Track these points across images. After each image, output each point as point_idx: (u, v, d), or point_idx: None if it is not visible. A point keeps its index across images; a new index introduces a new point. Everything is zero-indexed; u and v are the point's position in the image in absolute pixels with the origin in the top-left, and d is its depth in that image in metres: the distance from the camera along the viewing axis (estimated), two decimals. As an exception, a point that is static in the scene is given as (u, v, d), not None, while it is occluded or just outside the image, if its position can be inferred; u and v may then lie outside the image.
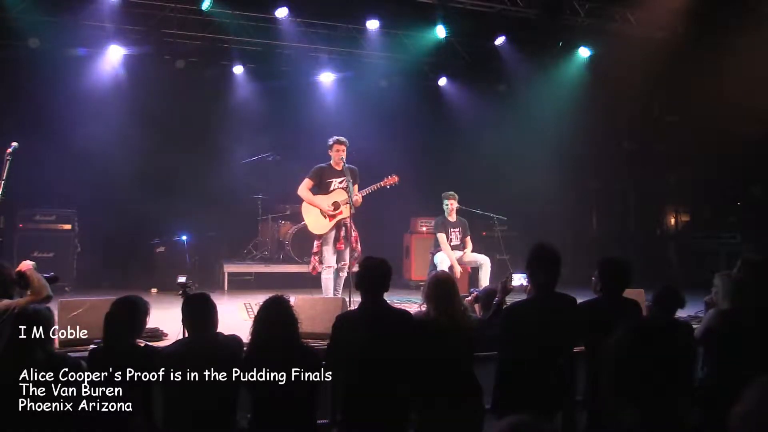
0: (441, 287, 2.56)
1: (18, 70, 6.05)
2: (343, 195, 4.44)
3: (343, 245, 4.46)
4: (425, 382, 2.45)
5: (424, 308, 2.69)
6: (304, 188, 4.52)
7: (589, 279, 2.78)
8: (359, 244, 4.49)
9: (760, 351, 2.33)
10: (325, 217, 4.47)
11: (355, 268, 4.27)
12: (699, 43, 6.31)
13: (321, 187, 4.52)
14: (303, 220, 4.82)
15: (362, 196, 4.44)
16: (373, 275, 2.52)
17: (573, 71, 7.03)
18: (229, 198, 6.77)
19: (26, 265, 2.95)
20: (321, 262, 4.50)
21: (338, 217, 4.45)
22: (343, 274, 4.49)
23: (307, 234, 4.90)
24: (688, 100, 6.70)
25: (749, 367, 2.18)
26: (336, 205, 4.46)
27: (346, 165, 4.45)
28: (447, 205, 5.23)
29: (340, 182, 4.50)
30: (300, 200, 4.60)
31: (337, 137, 4.52)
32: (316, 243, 4.56)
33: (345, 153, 4.48)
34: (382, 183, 4.53)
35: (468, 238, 5.31)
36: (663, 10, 6.26)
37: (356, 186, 4.45)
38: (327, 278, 4.47)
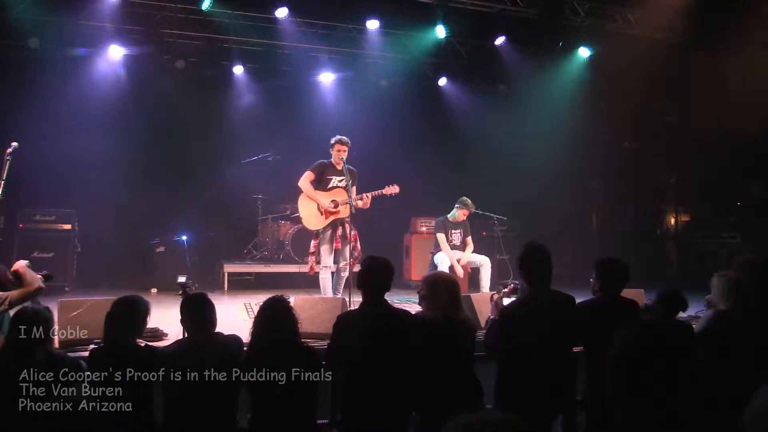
0: (442, 287, 2.55)
1: (18, 70, 6.04)
2: (342, 195, 4.43)
3: (340, 244, 4.44)
4: (425, 382, 2.44)
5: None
6: (305, 180, 4.49)
7: (589, 279, 2.78)
8: (359, 242, 4.47)
9: (757, 351, 2.34)
10: (321, 213, 4.46)
11: (356, 268, 4.30)
12: (699, 42, 6.31)
13: (321, 183, 4.51)
14: (298, 213, 4.77)
15: (370, 198, 4.41)
16: (376, 275, 2.51)
17: (573, 71, 7.03)
18: (228, 198, 6.76)
19: (20, 264, 2.96)
20: (318, 262, 4.48)
21: (334, 217, 4.44)
22: (345, 274, 4.46)
23: (307, 234, 4.88)
24: (688, 100, 6.70)
25: (746, 367, 2.18)
26: (335, 204, 4.45)
27: (346, 166, 4.44)
28: (458, 212, 5.19)
29: (340, 181, 4.49)
30: (299, 192, 4.56)
31: (339, 137, 4.50)
32: (313, 243, 4.55)
33: (346, 153, 4.47)
34: (383, 191, 4.51)
35: (469, 238, 5.30)
36: (663, 9, 6.26)
37: (354, 188, 4.44)
38: (324, 278, 4.45)
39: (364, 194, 4.41)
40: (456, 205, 5.25)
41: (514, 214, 6.44)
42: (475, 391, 2.50)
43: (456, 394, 2.43)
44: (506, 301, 2.79)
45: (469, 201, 5.24)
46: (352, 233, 4.39)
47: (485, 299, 3.86)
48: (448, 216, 5.29)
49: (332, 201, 4.46)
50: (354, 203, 4.31)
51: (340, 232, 4.44)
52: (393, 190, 4.53)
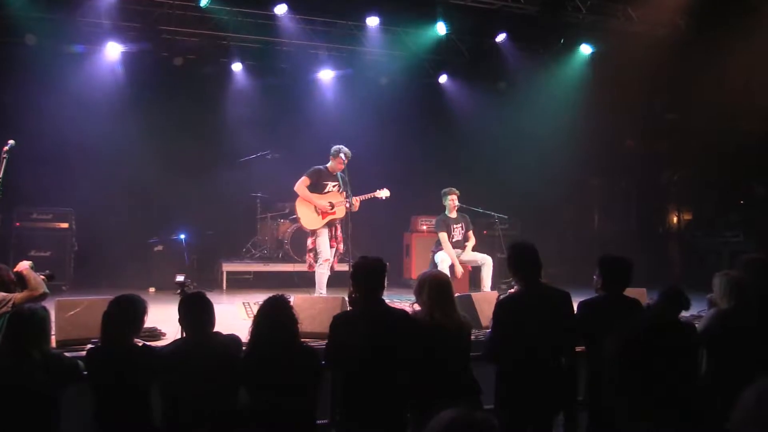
0: (436, 287, 2.54)
1: (15, 67, 5.99)
2: (337, 197, 4.65)
3: (334, 243, 4.66)
4: (423, 382, 2.42)
5: (416, 307, 2.67)
6: (302, 185, 4.67)
7: (591, 278, 2.76)
8: (341, 244, 4.66)
9: (759, 351, 2.32)
10: (318, 214, 4.64)
11: (337, 267, 4.58)
12: (701, 40, 6.27)
13: (316, 187, 4.68)
14: (295, 215, 4.96)
15: (359, 201, 4.61)
16: (368, 275, 2.50)
17: (574, 68, 6.99)
18: (227, 196, 6.73)
19: (23, 265, 2.98)
20: (316, 260, 4.60)
21: (330, 217, 4.64)
22: (328, 272, 4.62)
23: (306, 232, 4.95)
24: (690, 98, 6.66)
25: (748, 366, 2.17)
26: (331, 205, 4.64)
27: (340, 174, 4.65)
28: (448, 201, 5.21)
29: (334, 186, 4.70)
30: (296, 196, 4.71)
31: (346, 150, 4.61)
32: (310, 240, 4.71)
33: (345, 165, 4.63)
34: (374, 194, 4.72)
35: (470, 233, 5.28)
36: (665, 6, 6.23)
37: (344, 193, 4.61)
38: (322, 273, 4.56)
39: (355, 198, 4.57)
40: (443, 200, 5.23)
41: (515, 212, 6.41)
42: (472, 391, 2.48)
43: (453, 394, 2.41)
44: None
45: (446, 188, 5.25)
46: (339, 234, 4.64)
47: (486, 298, 3.86)
48: (446, 212, 5.27)
49: (329, 202, 4.65)
50: (344, 207, 4.52)
51: (333, 232, 4.67)
52: (383, 193, 4.73)
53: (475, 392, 2.49)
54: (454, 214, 5.26)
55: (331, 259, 4.62)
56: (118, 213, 6.20)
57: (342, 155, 4.59)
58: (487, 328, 3.50)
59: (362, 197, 4.64)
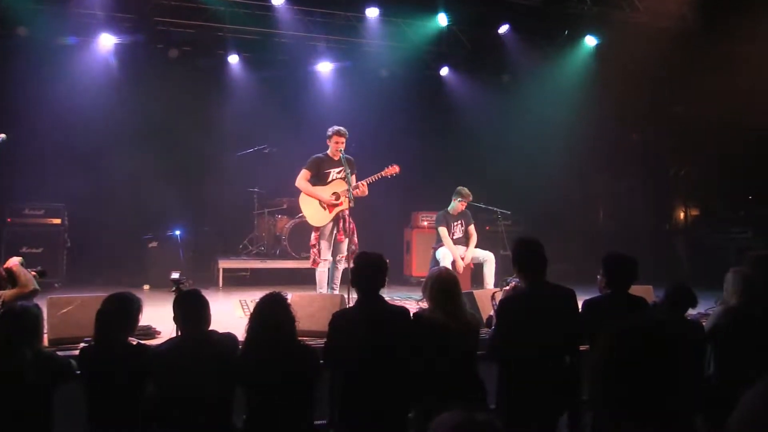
0: (443, 285, 2.49)
1: (5, 59, 5.89)
2: (342, 186, 4.38)
3: (342, 236, 4.40)
4: (425, 382, 2.37)
5: (423, 305, 2.61)
6: (302, 179, 4.45)
7: (595, 275, 2.71)
8: (356, 236, 4.42)
9: (767, 348, 2.29)
10: (324, 208, 4.41)
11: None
12: (708, 31, 6.19)
13: (319, 178, 4.45)
14: (300, 213, 4.71)
15: (367, 185, 4.38)
16: (369, 272, 2.46)
17: (579, 61, 6.93)
18: (223, 191, 6.65)
19: (13, 261, 2.96)
20: (319, 255, 4.43)
21: (338, 209, 4.39)
22: (342, 266, 4.44)
23: (304, 228, 4.83)
24: (697, 91, 6.58)
25: (756, 364, 2.12)
26: (336, 196, 4.41)
27: (344, 155, 4.38)
28: (457, 203, 5.06)
29: (338, 172, 4.44)
30: (298, 192, 4.52)
31: (336, 128, 4.45)
32: (314, 235, 4.49)
33: (344, 144, 4.41)
34: (383, 173, 4.47)
35: (471, 228, 5.17)
36: (672, -3, 6.14)
37: (354, 176, 4.38)
38: (321, 272, 4.42)
39: (360, 182, 4.35)
40: (453, 197, 5.13)
41: (518, 208, 6.34)
42: (476, 391, 2.44)
43: (457, 394, 2.36)
44: None
45: (465, 189, 5.14)
46: (351, 226, 4.36)
47: (488, 296, 3.78)
48: (449, 209, 5.17)
49: (333, 193, 4.42)
50: (360, 192, 4.27)
51: (341, 224, 4.40)
52: (393, 170, 4.49)
53: (480, 393, 2.44)
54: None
55: (346, 253, 4.34)
56: (111, 209, 6.11)
57: (335, 134, 4.33)
58: (487, 326, 3.43)
59: (370, 179, 4.36)
